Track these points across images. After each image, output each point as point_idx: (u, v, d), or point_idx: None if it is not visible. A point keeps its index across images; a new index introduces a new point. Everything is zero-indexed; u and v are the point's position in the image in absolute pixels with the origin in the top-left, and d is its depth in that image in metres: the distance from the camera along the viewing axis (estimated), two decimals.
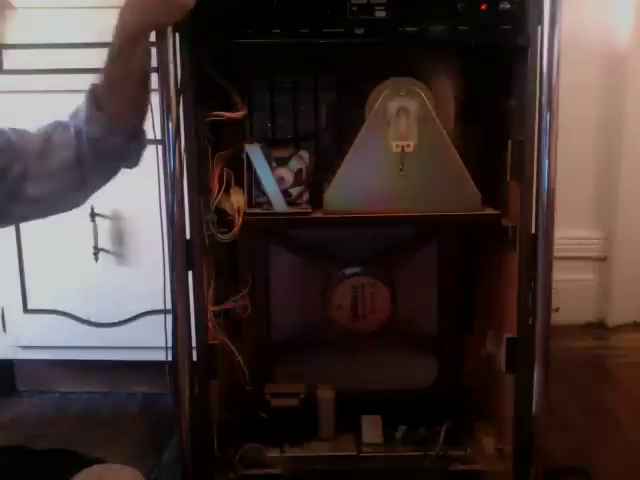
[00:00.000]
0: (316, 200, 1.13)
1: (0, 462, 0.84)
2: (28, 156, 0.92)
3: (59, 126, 0.96)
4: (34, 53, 1.44)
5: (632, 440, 1.43)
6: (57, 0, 1.41)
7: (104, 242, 1.52)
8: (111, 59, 0.93)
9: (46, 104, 1.38)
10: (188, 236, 1.05)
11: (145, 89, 0.97)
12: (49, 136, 0.94)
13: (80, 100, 0.96)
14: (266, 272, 1.35)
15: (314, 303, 1.31)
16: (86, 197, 1.01)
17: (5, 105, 1.45)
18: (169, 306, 1.04)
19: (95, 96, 0.95)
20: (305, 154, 1.14)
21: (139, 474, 0.87)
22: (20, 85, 1.45)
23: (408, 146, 1.08)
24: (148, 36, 0.94)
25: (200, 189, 1.05)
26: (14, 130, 0.94)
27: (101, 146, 0.95)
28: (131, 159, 1.02)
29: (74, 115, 0.96)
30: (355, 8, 1.00)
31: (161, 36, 0.96)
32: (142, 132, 1.01)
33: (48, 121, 0.97)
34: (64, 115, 0.97)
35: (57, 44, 1.42)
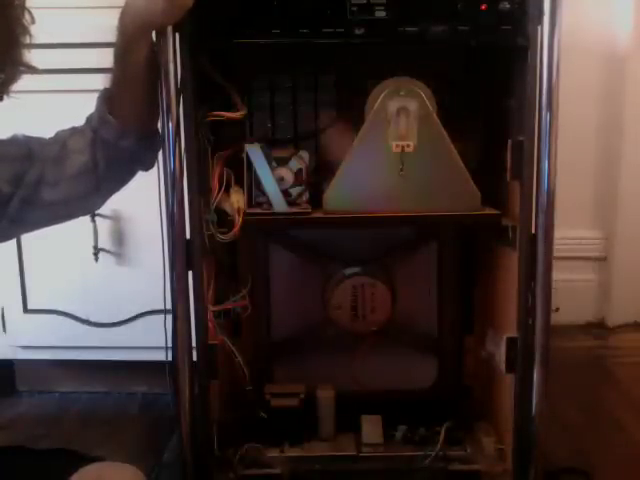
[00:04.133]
0: (316, 200, 1.13)
1: (0, 462, 0.84)
2: (45, 162, 0.93)
3: (75, 132, 0.97)
4: (36, 53, 1.43)
5: (632, 440, 1.43)
6: (58, 0, 1.41)
7: (104, 242, 1.52)
8: (116, 60, 0.93)
9: (47, 104, 1.39)
10: (188, 236, 1.05)
11: (154, 89, 0.97)
12: (65, 142, 0.95)
13: (83, 101, 0.97)
14: (266, 272, 1.35)
15: (314, 303, 1.31)
16: (103, 200, 1.02)
17: (6, 105, 1.44)
18: (169, 306, 1.04)
19: (106, 99, 0.96)
20: (305, 154, 1.14)
21: (139, 472, 0.87)
22: (21, 85, 1.45)
23: (408, 146, 1.08)
24: (150, 35, 0.94)
25: (200, 189, 1.05)
26: (30, 137, 0.95)
27: (114, 149, 0.95)
28: (146, 161, 1.02)
29: (89, 120, 0.97)
30: (355, 8, 1.00)
31: (161, 36, 0.96)
32: (155, 133, 1.02)
33: (63, 127, 0.98)
34: (67, 115, 0.98)
35: (58, 44, 1.42)
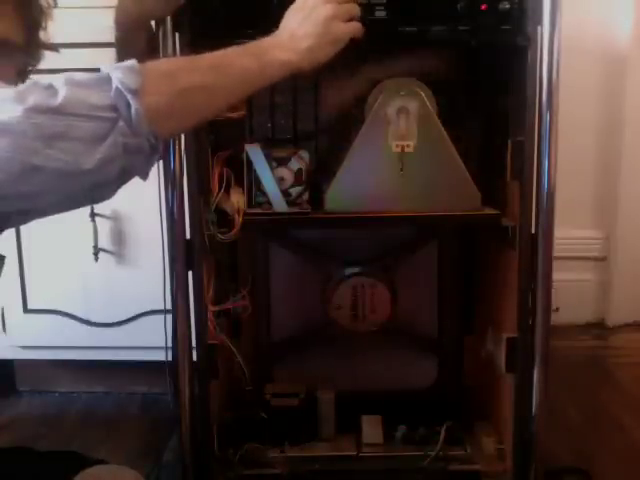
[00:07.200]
0: (316, 200, 1.13)
1: (0, 462, 0.84)
2: None
3: None
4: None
5: (632, 440, 1.43)
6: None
7: (104, 242, 1.52)
8: (117, 54, 0.93)
9: None
10: (188, 236, 1.05)
11: None
12: None
13: None
14: (266, 272, 1.35)
15: (314, 303, 1.31)
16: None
17: None
18: (169, 306, 1.04)
19: None
20: (305, 154, 1.14)
21: (139, 475, 0.87)
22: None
23: (408, 146, 1.08)
24: (146, 28, 0.93)
25: (200, 189, 1.05)
26: None
27: None
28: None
29: None
30: None
31: (161, 30, 0.96)
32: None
33: None
34: None
35: (57, 44, 1.42)
